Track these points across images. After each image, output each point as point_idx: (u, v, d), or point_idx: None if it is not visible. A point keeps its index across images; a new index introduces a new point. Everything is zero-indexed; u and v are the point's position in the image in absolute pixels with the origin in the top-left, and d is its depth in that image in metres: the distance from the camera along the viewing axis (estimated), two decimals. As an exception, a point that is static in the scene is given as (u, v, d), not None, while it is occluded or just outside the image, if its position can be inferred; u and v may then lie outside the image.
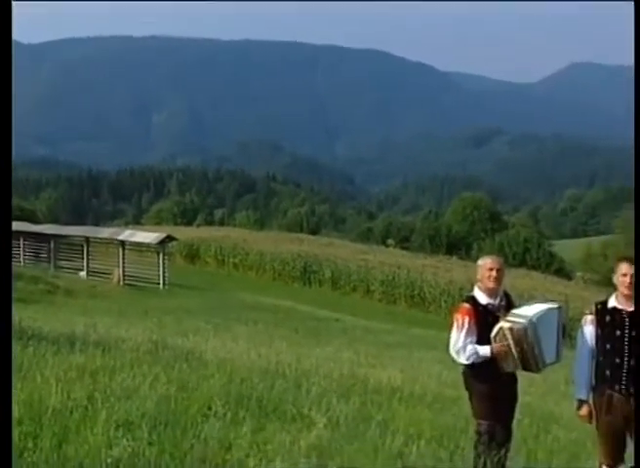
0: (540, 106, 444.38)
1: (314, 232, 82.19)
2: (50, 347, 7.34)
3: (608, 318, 4.86)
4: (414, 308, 36.88)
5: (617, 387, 4.80)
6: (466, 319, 5.08)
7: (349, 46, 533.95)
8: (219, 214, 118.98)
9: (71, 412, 4.99)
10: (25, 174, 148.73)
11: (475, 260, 5.51)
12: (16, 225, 28.56)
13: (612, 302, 4.91)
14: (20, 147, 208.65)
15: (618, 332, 4.81)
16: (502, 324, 4.99)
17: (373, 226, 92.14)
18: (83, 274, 31.28)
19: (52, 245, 33.29)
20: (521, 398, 5.53)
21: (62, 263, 32.95)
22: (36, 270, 28.29)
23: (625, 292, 4.82)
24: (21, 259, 32.53)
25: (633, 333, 4.77)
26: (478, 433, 5.12)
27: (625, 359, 4.77)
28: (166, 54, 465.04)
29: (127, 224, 74.90)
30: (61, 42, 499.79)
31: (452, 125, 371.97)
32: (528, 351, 4.97)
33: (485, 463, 4.94)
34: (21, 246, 33.19)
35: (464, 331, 5.07)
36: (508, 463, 5.16)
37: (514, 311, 5.12)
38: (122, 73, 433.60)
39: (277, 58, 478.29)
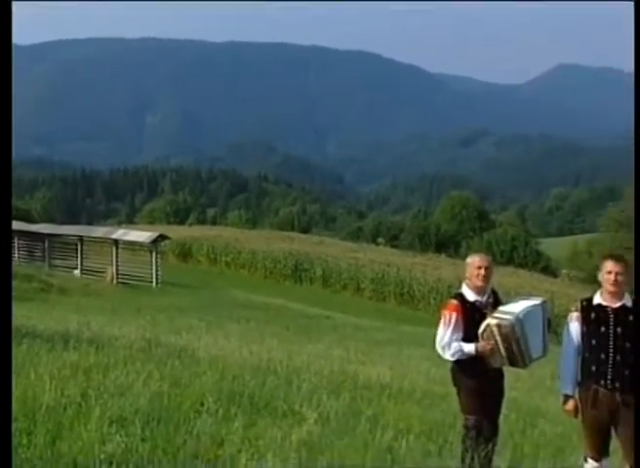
0: (526, 107, 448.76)
1: (305, 231, 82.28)
2: (44, 345, 7.39)
3: (593, 315, 4.91)
4: (403, 306, 36.94)
5: (602, 382, 4.85)
6: (453, 315, 5.12)
7: (339, 48, 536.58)
8: (211, 213, 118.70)
9: (65, 409, 5.03)
10: (21, 173, 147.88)
11: (463, 258, 5.57)
12: (10, 224, 28.50)
13: (597, 299, 4.96)
14: (17, 147, 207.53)
15: (603, 329, 4.86)
16: (490, 320, 5.03)
17: (363, 225, 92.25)
18: (77, 272, 31.35)
19: (46, 244, 33.30)
20: (508, 393, 5.57)
21: (57, 262, 33.01)
22: (30, 268, 28.25)
23: (610, 289, 4.87)
24: (16, 258, 32.50)
25: (618, 330, 4.82)
26: (466, 428, 5.16)
27: (610, 354, 4.83)
28: (160, 55, 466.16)
29: (120, 223, 74.56)
30: (57, 43, 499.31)
31: (441, 126, 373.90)
32: (515, 347, 5.01)
33: (472, 457, 4.98)
34: (16, 245, 33.19)
35: (451, 327, 5.11)
36: (495, 457, 5.20)
37: (501, 308, 5.16)
38: (117, 75, 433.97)
39: (269, 59, 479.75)
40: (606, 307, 4.90)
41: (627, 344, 4.82)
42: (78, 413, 4.95)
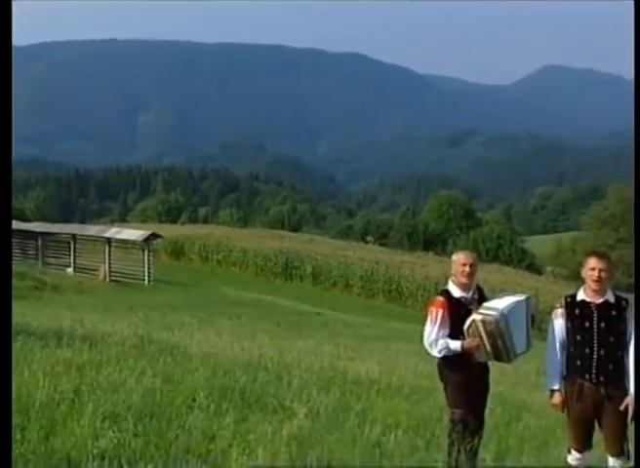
0: (513, 108, 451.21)
1: (296, 229, 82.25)
2: (37, 342, 7.41)
3: (577, 311, 4.98)
4: (392, 302, 37.16)
5: (587, 376, 4.92)
6: (440, 312, 5.20)
7: (330, 49, 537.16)
8: (203, 212, 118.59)
9: (58, 405, 5.04)
10: (14, 173, 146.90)
11: (451, 256, 5.65)
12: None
13: (580, 295, 5.03)
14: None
15: (587, 324, 4.93)
16: (475, 316, 5.09)
17: (352, 224, 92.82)
18: (70, 270, 31.45)
19: (40, 242, 33.30)
20: (493, 387, 5.61)
21: (50, 260, 33.07)
22: (24, 266, 28.17)
23: (593, 285, 4.94)
24: (10, 256, 32.48)
25: (602, 325, 4.90)
26: (452, 421, 5.21)
27: (595, 349, 4.90)
28: (153, 56, 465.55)
29: (113, 222, 74.31)
30: (49, 44, 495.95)
31: (429, 126, 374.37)
32: (499, 342, 5.08)
33: (459, 450, 5.04)
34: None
35: (437, 324, 5.19)
36: (481, 450, 5.27)
37: (486, 304, 5.23)
38: (110, 75, 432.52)
39: (262, 60, 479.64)
40: (589, 303, 4.97)
41: (611, 339, 4.89)
42: (71, 409, 4.96)
